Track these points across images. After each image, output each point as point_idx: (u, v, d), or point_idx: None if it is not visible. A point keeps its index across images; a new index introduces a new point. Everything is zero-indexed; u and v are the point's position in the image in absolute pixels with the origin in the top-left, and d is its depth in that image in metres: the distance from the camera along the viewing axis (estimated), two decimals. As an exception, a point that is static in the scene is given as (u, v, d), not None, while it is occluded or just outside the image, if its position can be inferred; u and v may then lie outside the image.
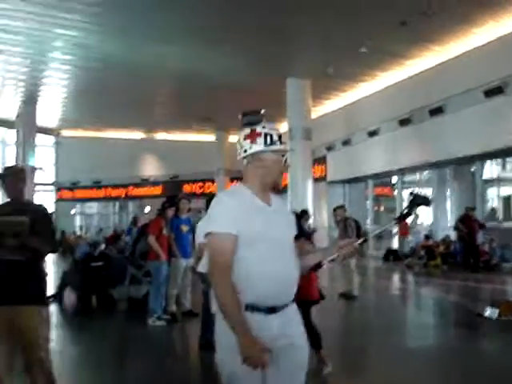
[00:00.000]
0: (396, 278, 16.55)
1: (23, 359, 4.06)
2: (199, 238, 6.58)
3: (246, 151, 2.81)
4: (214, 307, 2.65)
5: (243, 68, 19.35)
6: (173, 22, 15.59)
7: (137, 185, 33.79)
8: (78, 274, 10.44)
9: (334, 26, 15.54)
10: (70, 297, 10.85)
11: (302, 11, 14.49)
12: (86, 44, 17.89)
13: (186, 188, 32.56)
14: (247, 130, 2.83)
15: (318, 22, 15.16)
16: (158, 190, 33.06)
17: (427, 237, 18.71)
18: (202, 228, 6.26)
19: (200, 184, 33.16)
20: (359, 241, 2.90)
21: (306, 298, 5.27)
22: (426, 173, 22.69)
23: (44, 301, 4.18)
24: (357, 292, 11.28)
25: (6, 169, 4.20)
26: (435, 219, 20.97)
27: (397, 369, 6.16)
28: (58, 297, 10.73)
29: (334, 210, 11.81)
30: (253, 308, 2.61)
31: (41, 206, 4.28)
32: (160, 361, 6.53)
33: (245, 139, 2.83)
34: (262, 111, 2.86)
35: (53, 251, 4.22)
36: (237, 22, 15.36)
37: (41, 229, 3.90)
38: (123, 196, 33.06)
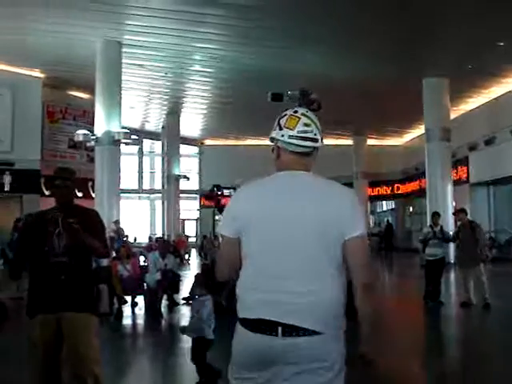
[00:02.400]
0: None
1: (73, 377, 3.68)
2: None
3: (322, 140, 2.36)
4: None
5: (380, 70, 18.97)
6: (308, 27, 15.68)
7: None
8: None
9: (472, 21, 14.81)
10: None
11: (440, 9, 14.00)
12: (223, 56, 18.66)
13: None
14: (314, 116, 2.38)
15: (456, 17, 14.55)
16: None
17: None
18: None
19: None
20: None
21: None
22: None
23: (94, 309, 3.90)
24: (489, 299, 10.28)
25: (56, 171, 3.93)
26: None
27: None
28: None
29: (454, 213, 11.16)
30: None
31: (91, 210, 4.13)
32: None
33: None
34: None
35: (103, 255, 4.12)
36: (374, 23, 15.19)
37: (90, 233, 3.68)
38: None
